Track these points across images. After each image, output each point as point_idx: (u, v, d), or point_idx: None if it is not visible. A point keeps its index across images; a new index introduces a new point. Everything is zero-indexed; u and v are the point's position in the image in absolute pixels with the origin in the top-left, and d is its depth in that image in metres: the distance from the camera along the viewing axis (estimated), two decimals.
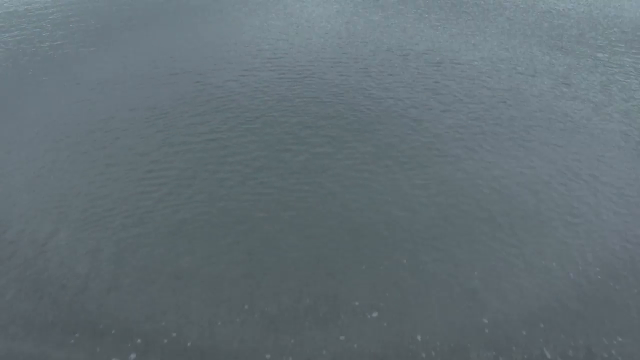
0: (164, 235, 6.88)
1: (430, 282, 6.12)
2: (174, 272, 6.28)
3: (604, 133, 9.52)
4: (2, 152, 8.89)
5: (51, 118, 10.04)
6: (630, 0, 19.50)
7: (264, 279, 6.17)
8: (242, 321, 5.65)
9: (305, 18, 16.38)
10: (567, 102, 10.70)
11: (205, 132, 9.40)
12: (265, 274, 6.24)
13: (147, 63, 12.65)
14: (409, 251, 6.60)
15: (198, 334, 5.51)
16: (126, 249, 6.65)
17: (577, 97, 10.92)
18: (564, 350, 5.40)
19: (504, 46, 13.99)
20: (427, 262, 6.43)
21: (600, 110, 10.36)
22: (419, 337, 5.45)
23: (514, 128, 9.66)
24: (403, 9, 17.45)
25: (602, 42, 14.54)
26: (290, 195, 7.65)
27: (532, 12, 17.51)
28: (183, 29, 15.45)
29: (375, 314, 5.64)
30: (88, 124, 9.80)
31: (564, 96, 10.98)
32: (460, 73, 11.99)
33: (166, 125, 9.64)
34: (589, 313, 5.84)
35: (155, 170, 8.27)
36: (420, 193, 7.71)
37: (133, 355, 5.30)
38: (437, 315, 5.73)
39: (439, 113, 10.05)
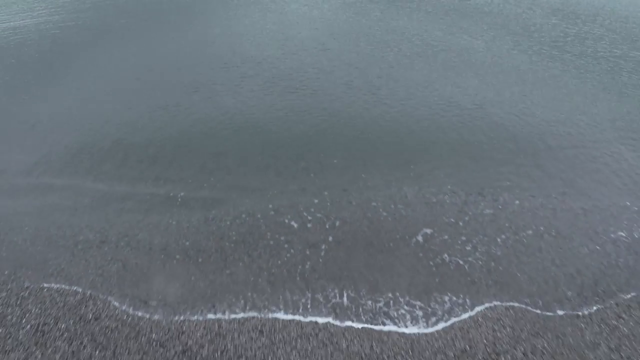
0: (206, 130, 10.31)
1: (376, 146, 9.55)
2: (212, 153, 9.66)
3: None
4: (91, 78, 12.43)
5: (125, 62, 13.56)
6: None
7: (275, 154, 9.53)
8: (258, 175, 9.00)
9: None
10: (519, 55, 14.06)
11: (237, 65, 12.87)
12: (274, 151, 9.60)
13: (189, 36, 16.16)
14: (364, 128, 10.08)
15: (228, 185, 8.85)
16: (182, 140, 10.05)
17: (516, 48, 14.28)
18: (464, 188, 8.73)
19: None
20: (378, 137, 9.85)
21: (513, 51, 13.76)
22: (362, 175, 8.82)
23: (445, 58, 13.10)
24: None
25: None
26: (292, 103, 11.08)
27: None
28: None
29: (335, 161, 9.05)
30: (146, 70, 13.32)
31: (503, 48, 14.33)
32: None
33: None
34: (493, 156, 9.17)
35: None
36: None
37: (182, 194, 8.64)
38: (380, 166, 9.11)
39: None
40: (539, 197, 8.60)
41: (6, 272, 6.98)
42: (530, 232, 7.78)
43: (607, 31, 17.08)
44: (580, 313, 6.43)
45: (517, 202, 8.46)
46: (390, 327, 6.00)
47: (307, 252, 7.15)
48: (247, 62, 13.85)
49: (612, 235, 7.75)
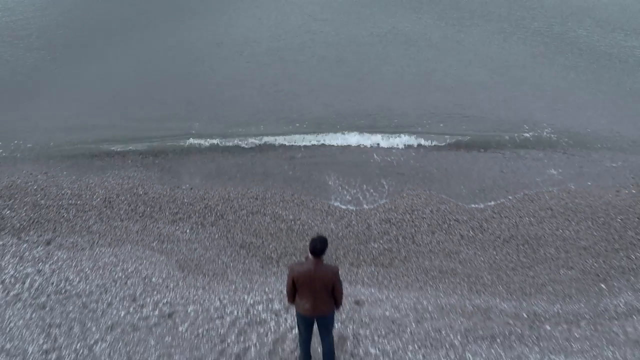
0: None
1: (342, 89, 12.47)
2: (222, 101, 12.56)
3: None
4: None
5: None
6: None
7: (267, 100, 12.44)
8: (256, 115, 11.86)
9: None
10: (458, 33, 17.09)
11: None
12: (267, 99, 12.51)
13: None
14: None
15: (232, 121, 11.71)
16: (200, 92, 12.94)
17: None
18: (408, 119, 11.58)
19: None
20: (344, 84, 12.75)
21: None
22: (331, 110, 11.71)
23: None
24: None
25: None
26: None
27: None
28: None
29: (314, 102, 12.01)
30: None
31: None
32: None
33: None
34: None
35: None
36: None
37: (196, 124, 11.48)
38: (342, 101, 11.98)
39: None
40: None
41: (74, 177, 9.78)
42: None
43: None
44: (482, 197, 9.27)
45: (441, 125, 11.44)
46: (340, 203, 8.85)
47: (289, 157, 10.12)
48: (247, 42, 16.82)
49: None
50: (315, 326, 5.29)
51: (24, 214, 8.56)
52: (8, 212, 8.63)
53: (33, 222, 8.37)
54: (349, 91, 13.28)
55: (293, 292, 5.05)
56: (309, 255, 4.86)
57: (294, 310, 5.48)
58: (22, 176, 9.80)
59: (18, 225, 8.30)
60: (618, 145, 11.25)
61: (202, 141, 10.91)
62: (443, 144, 10.92)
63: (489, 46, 16.88)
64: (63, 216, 8.45)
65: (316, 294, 4.91)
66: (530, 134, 11.49)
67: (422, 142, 10.96)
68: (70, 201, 8.84)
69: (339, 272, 5.03)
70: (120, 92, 13.41)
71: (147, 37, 17.94)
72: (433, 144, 10.88)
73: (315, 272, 4.81)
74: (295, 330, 5.92)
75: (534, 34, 18.19)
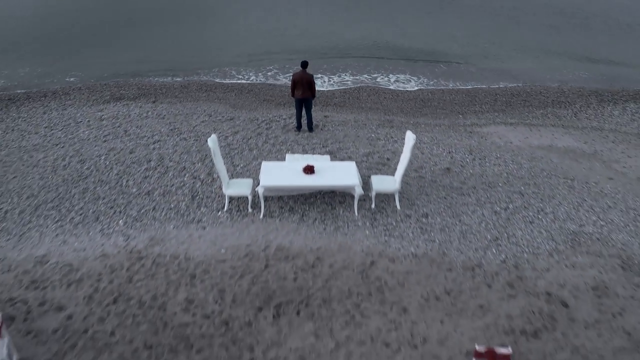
0: None
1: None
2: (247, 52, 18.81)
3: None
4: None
5: None
6: None
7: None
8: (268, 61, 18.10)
9: None
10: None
11: None
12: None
13: None
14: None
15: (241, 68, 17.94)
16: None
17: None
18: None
19: None
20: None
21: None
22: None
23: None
24: None
25: None
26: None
27: None
28: None
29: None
30: None
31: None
32: None
33: None
34: None
35: None
36: None
37: (225, 58, 17.70)
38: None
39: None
40: None
41: (156, 79, 15.92)
42: None
43: None
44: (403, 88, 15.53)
45: (380, 49, 17.71)
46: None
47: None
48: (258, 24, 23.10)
49: None
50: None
51: (133, 91, 14.72)
52: (123, 91, 14.78)
53: (140, 95, 14.51)
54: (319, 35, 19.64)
55: (293, 88, 11.22)
56: (300, 67, 11.07)
57: (294, 100, 11.59)
58: (123, 79, 15.99)
59: (132, 96, 14.44)
60: (509, 70, 17.58)
61: (232, 66, 17.20)
62: (385, 68, 17.26)
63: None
64: (159, 91, 14.62)
65: (304, 87, 11.11)
66: (445, 64, 17.87)
67: (372, 69, 17.28)
68: (159, 87, 15.02)
69: (314, 77, 11.26)
70: (172, 42, 19.68)
71: (186, 11, 24.30)
72: (376, 68, 17.21)
73: (303, 75, 11.01)
74: (294, 122, 12.07)
75: None
